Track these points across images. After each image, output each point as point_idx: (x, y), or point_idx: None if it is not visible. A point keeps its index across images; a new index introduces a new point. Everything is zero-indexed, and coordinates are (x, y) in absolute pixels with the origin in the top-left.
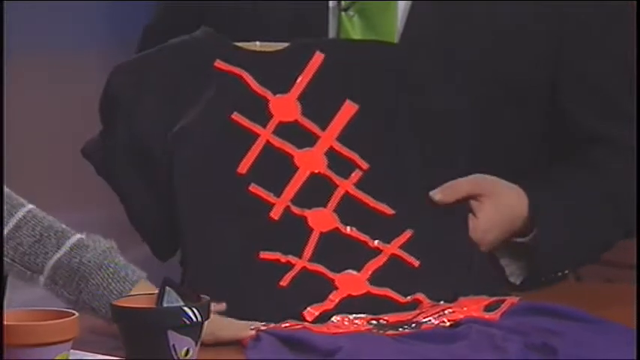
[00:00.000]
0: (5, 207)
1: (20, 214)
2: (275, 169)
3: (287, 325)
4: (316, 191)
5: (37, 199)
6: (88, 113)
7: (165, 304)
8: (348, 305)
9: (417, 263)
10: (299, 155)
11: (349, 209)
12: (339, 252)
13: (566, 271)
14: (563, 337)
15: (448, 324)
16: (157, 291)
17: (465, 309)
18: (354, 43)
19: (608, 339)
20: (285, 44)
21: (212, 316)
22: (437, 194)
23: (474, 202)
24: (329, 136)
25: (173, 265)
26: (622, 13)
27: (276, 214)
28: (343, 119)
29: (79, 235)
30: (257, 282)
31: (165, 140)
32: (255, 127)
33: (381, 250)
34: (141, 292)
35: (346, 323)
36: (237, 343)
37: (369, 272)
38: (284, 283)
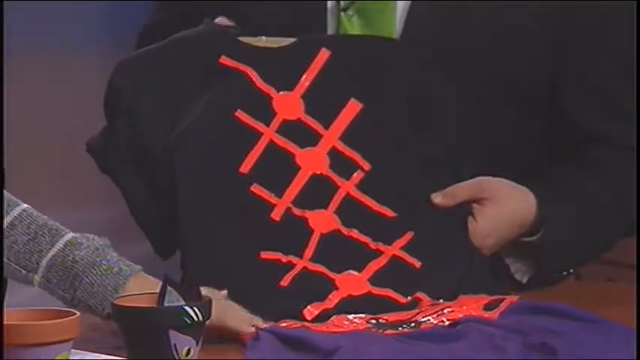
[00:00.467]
0: None
1: (15, 212)
2: (277, 169)
3: (285, 324)
4: (318, 192)
5: (37, 199)
6: (88, 113)
7: (166, 304)
8: (349, 305)
9: (418, 264)
10: (301, 155)
11: (350, 211)
12: (340, 253)
13: (570, 271)
14: (563, 336)
15: (447, 323)
16: (155, 284)
17: (464, 308)
18: (360, 40)
19: (608, 339)
20: (291, 40)
21: (219, 300)
22: (437, 198)
23: (475, 205)
24: (332, 136)
25: (174, 263)
26: (622, 13)
27: (277, 215)
28: (347, 118)
29: (72, 234)
30: (257, 281)
31: (167, 137)
32: (259, 126)
33: (382, 252)
34: (143, 292)
35: (346, 323)
36: (237, 343)
37: (370, 273)
38: (284, 282)
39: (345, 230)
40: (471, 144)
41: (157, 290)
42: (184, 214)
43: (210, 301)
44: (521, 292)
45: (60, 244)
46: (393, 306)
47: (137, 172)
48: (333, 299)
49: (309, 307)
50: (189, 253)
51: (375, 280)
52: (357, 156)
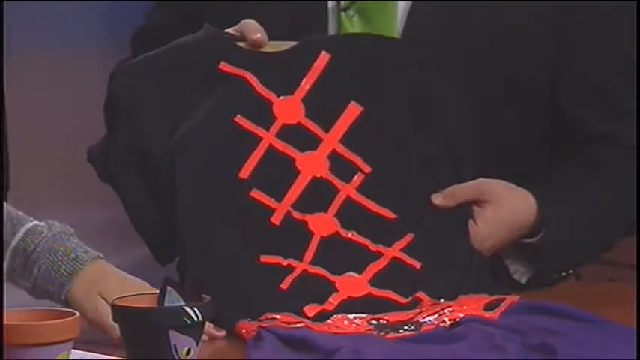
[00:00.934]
0: None
1: None
2: (277, 173)
3: (287, 320)
4: (317, 196)
5: (37, 199)
6: (88, 113)
7: (166, 304)
8: (349, 307)
9: (418, 265)
10: (301, 159)
11: (350, 213)
12: (340, 255)
13: (570, 271)
14: (563, 336)
15: (448, 323)
16: (114, 272)
17: (464, 307)
18: (360, 40)
19: (608, 339)
20: (291, 44)
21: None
22: (438, 199)
23: (475, 208)
24: (332, 139)
25: (173, 263)
26: (622, 13)
27: (276, 219)
28: (347, 121)
29: (34, 222)
30: (257, 285)
31: (167, 141)
32: (258, 130)
33: (382, 254)
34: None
35: (346, 322)
36: (237, 343)
37: (370, 274)
38: (284, 285)
39: (344, 233)
40: (471, 144)
41: (116, 278)
42: (184, 217)
43: (210, 301)
44: (522, 292)
45: (21, 233)
46: (393, 307)
47: (137, 176)
48: (333, 301)
49: (307, 307)
50: (188, 257)
51: (375, 281)
52: (357, 159)
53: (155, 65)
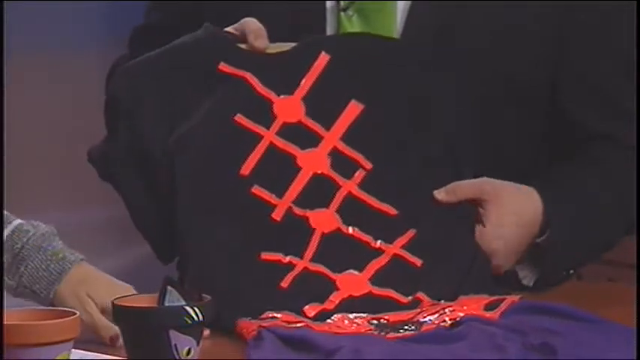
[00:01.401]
0: None
1: None
2: (278, 170)
3: (286, 318)
4: (319, 192)
5: (37, 199)
6: (88, 113)
7: (166, 304)
8: (349, 306)
9: (419, 263)
10: (302, 156)
11: (352, 209)
12: (341, 252)
13: (572, 272)
14: (563, 336)
15: (449, 323)
16: (96, 274)
17: (465, 307)
18: (360, 39)
19: (608, 339)
20: (291, 45)
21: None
22: (440, 193)
23: (480, 210)
24: (333, 137)
25: (173, 265)
26: (622, 13)
27: (277, 215)
28: (348, 119)
29: (19, 220)
30: (258, 283)
31: (167, 140)
32: (259, 129)
33: (383, 251)
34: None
35: (346, 322)
36: (237, 343)
37: (371, 272)
38: (285, 284)
39: (346, 229)
40: (471, 144)
41: (103, 280)
42: (184, 217)
43: (211, 300)
44: (522, 292)
45: (7, 232)
46: (393, 306)
47: (137, 176)
48: (333, 300)
49: (308, 306)
50: (188, 257)
51: (375, 279)
52: (358, 156)
53: (155, 66)
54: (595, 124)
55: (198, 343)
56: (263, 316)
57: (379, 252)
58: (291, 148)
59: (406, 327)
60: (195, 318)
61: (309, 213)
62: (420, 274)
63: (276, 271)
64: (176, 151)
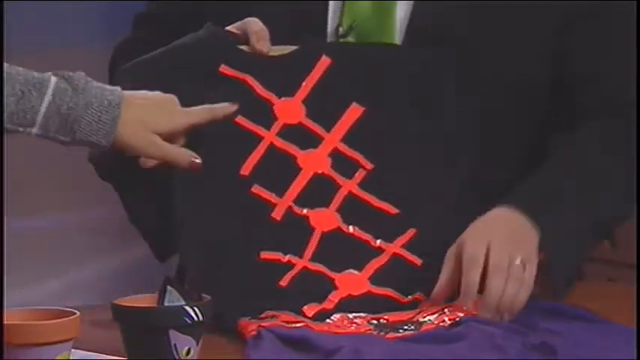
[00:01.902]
0: None
1: None
2: (278, 170)
3: (285, 318)
4: (319, 191)
5: (37, 199)
6: None
7: (166, 304)
8: (348, 305)
9: (419, 262)
10: (302, 156)
11: (352, 209)
12: (341, 251)
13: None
14: (563, 336)
15: (448, 322)
16: (140, 97)
17: (464, 308)
18: (360, 46)
19: (608, 339)
20: (292, 48)
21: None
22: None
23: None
24: (333, 138)
25: (173, 264)
26: (623, 12)
27: (277, 214)
28: (348, 121)
29: (53, 78)
30: (257, 282)
31: None
32: (259, 130)
33: (383, 250)
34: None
35: (345, 322)
36: (237, 343)
37: (371, 272)
38: (284, 283)
39: (346, 228)
40: (472, 144)
41: (150, 105)
42: (183, 216)
43: (210, 300)
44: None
45: (49, 96)
46: (393, 305)
47: (137, 176)
48: (332, 299)
49: (307, 307)
50: (188, 256)
51: (375, 279)
52: (358, 156)
53: (156, 66)
54: (595, 123)
55: (197, 343)
56: (262, 315)
57: (379, 251)
58: (292, 149)
59: (406, 327)
60: (195, 318)
61: (309, 212)
62: (420, 274)
63: (275, 270)
64: None
